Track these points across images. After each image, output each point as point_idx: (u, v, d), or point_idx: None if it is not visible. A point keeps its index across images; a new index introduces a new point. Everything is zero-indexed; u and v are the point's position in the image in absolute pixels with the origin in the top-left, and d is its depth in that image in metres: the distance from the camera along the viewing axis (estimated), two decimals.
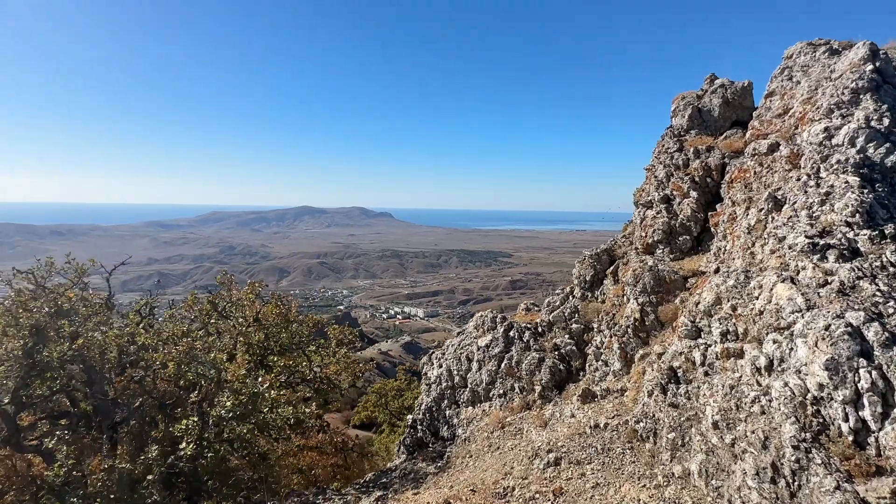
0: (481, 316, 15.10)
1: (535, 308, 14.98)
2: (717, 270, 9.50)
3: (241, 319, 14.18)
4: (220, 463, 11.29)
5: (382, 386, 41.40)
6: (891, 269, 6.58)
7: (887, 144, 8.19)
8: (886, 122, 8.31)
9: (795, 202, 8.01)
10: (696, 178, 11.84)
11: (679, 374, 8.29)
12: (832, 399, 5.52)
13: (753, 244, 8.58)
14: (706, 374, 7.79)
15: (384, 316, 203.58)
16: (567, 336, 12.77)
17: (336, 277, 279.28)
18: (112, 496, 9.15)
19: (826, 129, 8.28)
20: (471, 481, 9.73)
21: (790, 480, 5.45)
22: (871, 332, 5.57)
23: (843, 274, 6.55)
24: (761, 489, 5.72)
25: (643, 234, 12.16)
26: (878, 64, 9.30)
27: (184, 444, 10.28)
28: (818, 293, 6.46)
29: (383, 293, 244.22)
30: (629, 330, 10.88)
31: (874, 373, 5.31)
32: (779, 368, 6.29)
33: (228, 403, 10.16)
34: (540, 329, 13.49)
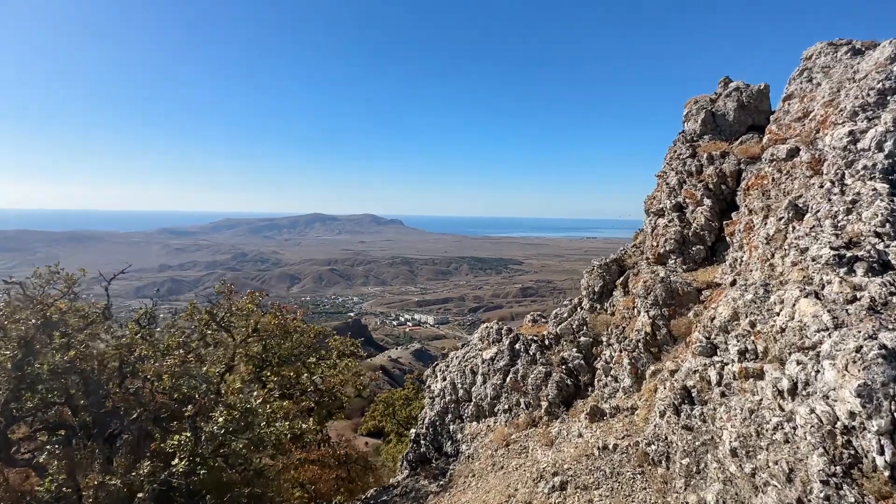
0: (486, 327, 14.63)
1: (542, 320, 14.47)
2: (733, 283, 8.96)
3: (242, 330, 13.86)
4: (215, 479, 10.92)
5: (390, 395, 40.94)
6: None
7: None
8: None
9: (818, 211, 7.48)
10: (710, 186, 11.32)
11: (693, 395, 7.76)
12: (865, 429, 4.98)
13: (773, 255, 8.04)
14: (723, 395, 7.26)
15: (394, 323, 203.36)
16: (575, 350, 12.24)
17: (346, 284, 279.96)
18: None
19: (851, 132, 7.75)
20: None
21: None
22: None
23: (874, 289, 6.02)
24: None
25: (654, 244, 11.63)
26: None
27: (176, 461, 9.95)
28: (846, 310, 5.93)
29: (393, 300, 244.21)
30: (640, 344, 10.35)
31: None
32: (803, 392, 5.75)
33: (221, 419, 9.80)
34: (547, 342, 12.98)
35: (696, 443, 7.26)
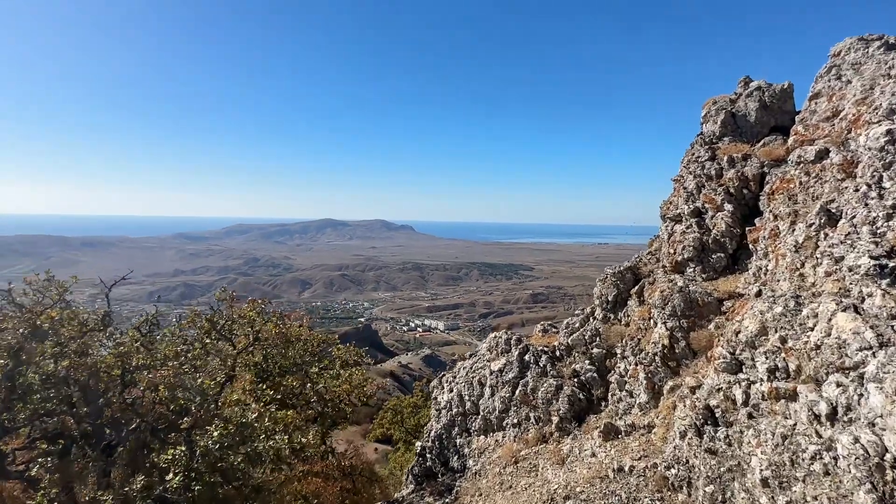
0: (495, 337, 14.10)
1: (553, 329, 13.91)
2: (758, 294, 8.37)
3: (242, 339, 13.48)
4: (211, 495, 10.50)
5: (398, 402, 40.37)
6: None
7: None
8: None
9: (854, 216, 6.89)
10: (731, 190, 10.72)
11: (717, 415, 7.17)
12: None
13: (803, 264, 7.45)
14: (750, 416, 6.67)
15: (404, 328, 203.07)
16: (587, 362, 11.67)
17: (357, 290, 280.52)
18: None
19: (889, 131, 7.16)
20: None
21: None
22: None
23: None
24: None
25: (671, 251, 11.05)
26: None
27: (171, 476, 9.57)
28: (892, 326, 5.34)
29: (404, 305, 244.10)
30: (657, 358, 9.76)
31: None
32: (845, 418, 5.17)
33: (216, 433, 9.39)
34: (558, 353, 12.42)
35: (721, 468, 6.67)
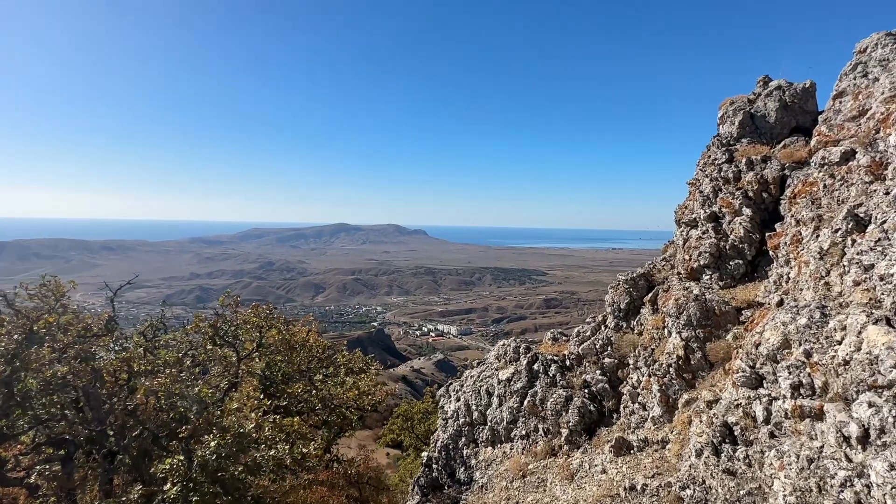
0: (503, 345, 13.70)
1: (563, 338, 13.47)
2: (779, 303, 7.90)
3: (249, 344, 13.28)
4: None
5: (409, 408, 40.01)
6: None
7: None
8: None
9: (885, 221, 6.41)
10: (750, 193, 10.24)
11: (736, 433, 6.72)
12: None
13: (828, 272, 6.98)
14: (772, 435, 6.22)
15: (417, 333, 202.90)
16: (598, 372, 11.22)
17: (370, 294, 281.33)
18: None
19: None
20: None
21: None
22: None
23: None
24: None
25: (687, 257, 10.59)
26: None
27: (168, 486, 9.36)
28: None
29: (416, 310, 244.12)
30: (671, 369, 9.30)
31: None
32: (878, 442, 4.72)
33: (213, 443, 9.15)
34: (568, 362, 11.99)
35: (741, 491, 6.22)
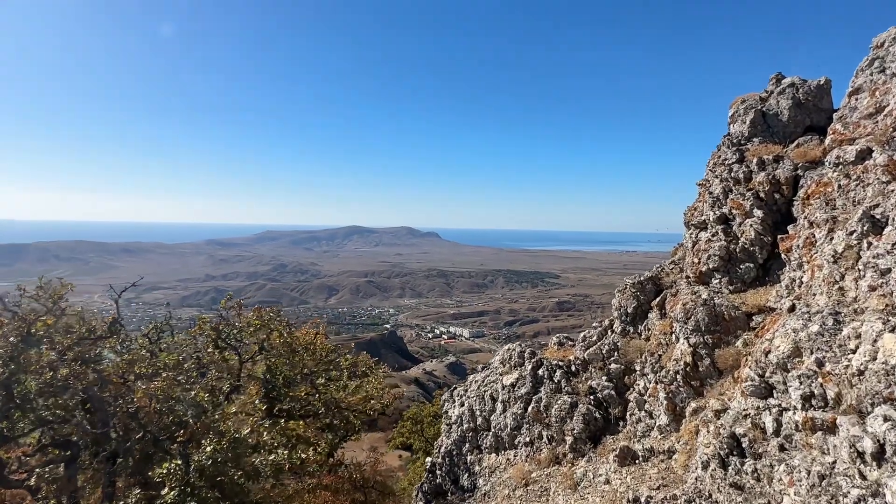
0: (508, 350, 13.45)
1: (569, 343, 13.18)
2: (791, 308, 7.56)
3: (255, 347, 13.19)
4: None
5: (418, 411, 39.84)
6: None
7: None
8: None
9: None
10: (762, 194, 9.88)
11: (744, 444, 6.41)
12: None
13: (843, 277, 6.64)
14: (782, 448, 5.90)
15: (429, 335, 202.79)
16: (604, 378, 10.93)
17: (383, 296, 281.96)
18: None
19: None
20: None
21: None
22: None
23: None
24: None
25: (695, 261, 10.26)
26: None
27: (166, 490, 9.27)
28: None
29: (429, 312, 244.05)
30: (678, 376, 8.98)
31: None
32: (895, 459, 4.41)
33: (209, 448, 9.04)
34: (573, 368, 11.70)
35: None
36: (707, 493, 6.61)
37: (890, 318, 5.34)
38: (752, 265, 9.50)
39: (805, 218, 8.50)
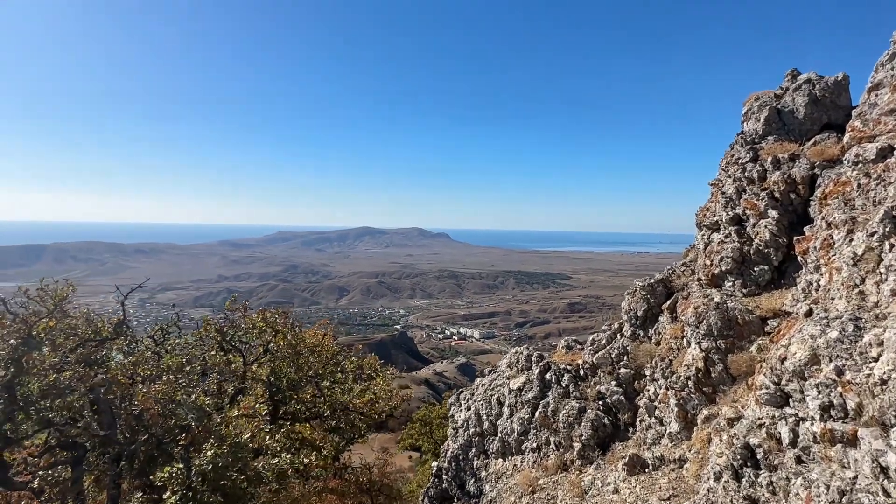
0: (515, 353, 13.22)
1: (578, 346, 12.91)
2: (808, 313, 7.25)
3: (252, 351, 13.10)
4: None
5: (427, 413, 39.69)
6: None
7: None
8: None
9: None
10: (777, 194, 9.55)
11: (759, 456, 6.14)
12: None
13: (863, 280, 6.34)
14: (799, 460, 5.63)
15: (440, 336, 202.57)
16: (614, 382, 10.65)
17: (394, 297, 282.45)
18: None
19: None
20: None
21: None
22: None
23: None
24: None
25: (708, 263, 9.95)
26: None
27: (168, 494, 9.17)
28: None
29: (439, 313, 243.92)
30: (689, 382, 8.70)
31: None
32: None
33: (210, 453, 8.93)
34: (582, 372, 11.44)
35: None
36: None
37: None
38: (766, 267, 9.18)
39: (822, 218, 8.18)
